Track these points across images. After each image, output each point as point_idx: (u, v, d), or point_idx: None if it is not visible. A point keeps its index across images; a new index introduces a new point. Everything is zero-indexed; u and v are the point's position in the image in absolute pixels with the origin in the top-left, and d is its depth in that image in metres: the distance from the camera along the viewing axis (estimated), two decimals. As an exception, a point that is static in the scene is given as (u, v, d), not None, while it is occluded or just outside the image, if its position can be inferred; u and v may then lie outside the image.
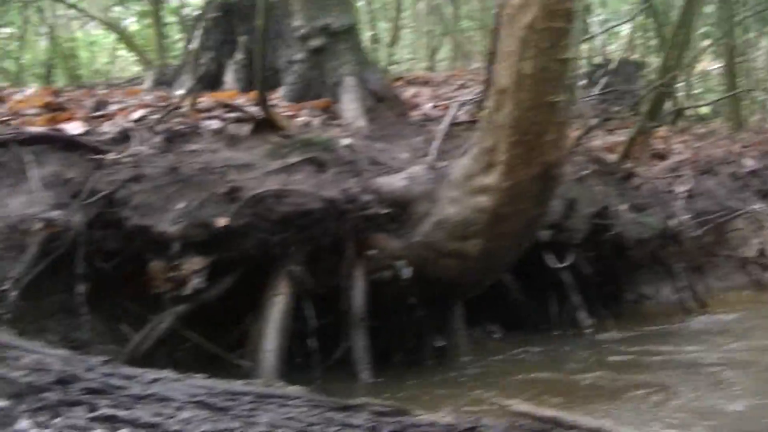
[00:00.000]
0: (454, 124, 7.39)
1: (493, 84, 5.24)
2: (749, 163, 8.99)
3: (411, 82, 11.37)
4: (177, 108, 6.86)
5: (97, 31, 18.85)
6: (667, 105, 10.31)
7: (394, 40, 11.49)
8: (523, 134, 5.02)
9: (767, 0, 13.95)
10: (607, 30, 15.83)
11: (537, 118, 4.95)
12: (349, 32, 8.06)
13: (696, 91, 15.83)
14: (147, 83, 11.25)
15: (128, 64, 16.40)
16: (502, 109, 5.02)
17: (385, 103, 7.80)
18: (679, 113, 10.62)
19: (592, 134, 8.08)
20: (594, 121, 7.71)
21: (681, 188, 8.82)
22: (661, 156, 8.64)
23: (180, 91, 8.54)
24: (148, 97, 8.07)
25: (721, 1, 11.81)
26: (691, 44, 12.50)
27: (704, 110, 14.81)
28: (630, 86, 11.61)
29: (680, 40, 7.54)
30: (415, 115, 8.08)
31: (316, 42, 7.94)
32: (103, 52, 19.25)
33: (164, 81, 10.85)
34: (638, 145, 7.67)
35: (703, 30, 15.38)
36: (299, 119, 7.30)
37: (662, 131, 9.60)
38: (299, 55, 8.08)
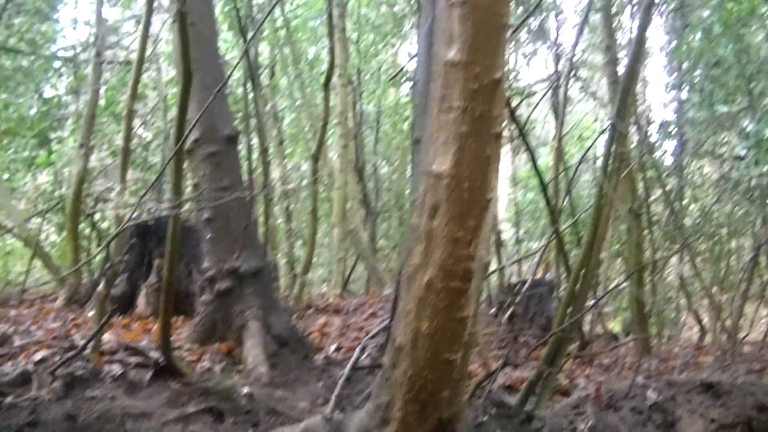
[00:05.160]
0: (356, 369, 7.47)
1: (392, 341, 5.13)
2: (652, 396, 8.91)
3: (322, 310, 11.64)
4: (80, 352, 6.70)
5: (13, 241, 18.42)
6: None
7: (307, 269, 11.77)
8: (419, 392, 4.99)
9: (674, 220, 14.33)
10: (520, 259, 16.26)
11: (433, 375, 4.93)
12: (257, 275, 8.16)
13: (607, 308, 16.04)
14: (60, 301, 11.42)
15: (45, 275, 16.11)
16: (398, 366, 5.01)
17: (289, 347, 7.99)
18: (584, 345, 10.82)
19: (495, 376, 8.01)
20: (496, 366, 7.62)
21: (582, 426, 8.76)
22: (564, 392, 8.52)
23: (91, 312, 9.13)
24: (55, 325, 8.67)
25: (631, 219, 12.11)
26: (600, 267, 13.19)
27: (616, 328, 15.43)
28: (542, 308, 11.62)
29: (588, 266, 7.55)
30: (318, 358, 8.29)
31: (223, 284, 8.05)
32: (19, 262, 18.93)
33: (77, 299, 11.11)
34: (540, 384, 7.60)
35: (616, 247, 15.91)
36: (201, 364, 7.53)
37: (567, 363, 9.59)
38: (206, 297, 8.21)
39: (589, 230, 7.47)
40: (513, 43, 13.29)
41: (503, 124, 4.95)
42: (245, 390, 6.72)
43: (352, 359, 7.69)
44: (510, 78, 15.37)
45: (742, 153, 11.44)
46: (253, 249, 8.20)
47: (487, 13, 4.52)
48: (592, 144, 11.60)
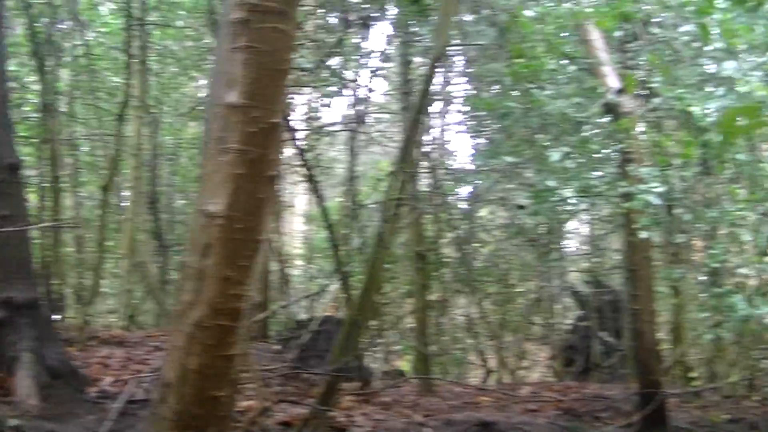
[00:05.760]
0: (131, 403, 7.54)
1: (161, 377, 5.19)
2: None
3: (106, 342, 11.36)
4: None
5: None
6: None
7: (91, 300, 11.72)
8: (185, 428, 5.02)
9: (461, 263, 14.89)
10: (308, 296, 16.22)
11: (199, 411, 4.99)
12: (32, 306, 7.94)
13: (397, 347, 16.33)
14: None
15: None
16: (165, 402, 5.03)
17: (63, 379, 7.76)
18: (366, 383, 10.79)
19: (272, 411, 8.10)
20: (268, 403, 7.72)
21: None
22: (341, 429, 8.59)
23: None
24: None
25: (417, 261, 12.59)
26: (378, 307, 13.04)
27: (406, 366, 15.26)
28: (331, 345, 11.63)
29: (365, 306, 7.78)
30: (92, 390, 8.08)
31: (-4, 315, 7.96)
32: None
33: None
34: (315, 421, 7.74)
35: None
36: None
37: (346, 400, 9.74)
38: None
39: (367, 271, 7.62)
40: (313, 83, 13.37)
41: (282, 166, 5.06)
42: (14, 422, 6.57)
43: (126, 393, 7.64)
44: (309, 117, 15.55)
45: (525, 202, 11.83)
46: (29, 279, 8.00)
47: (270, 60, 4.62)
48: (380, 186, 11.74)
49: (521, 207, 12.51)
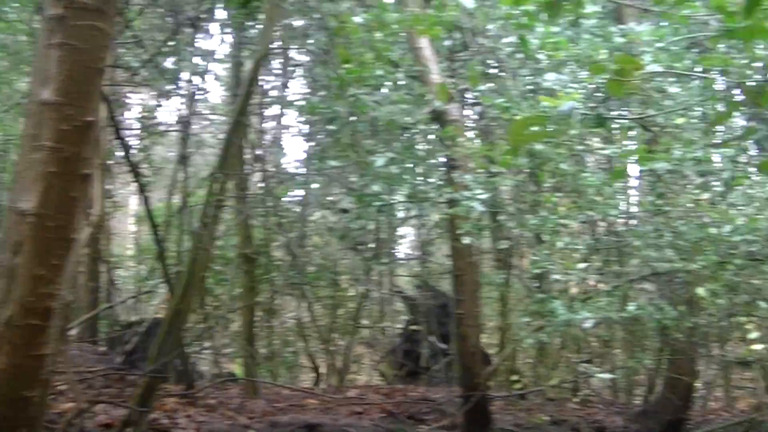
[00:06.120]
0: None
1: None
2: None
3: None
4: None
5: None
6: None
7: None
8: (-8, 429, 4.92)
9: (291, 266, 14.84)
10: (134, 297, 15.93)
11: (9, 412, 4.86)
12: None
13: (228, 350, 16.26)
14: None
15: None
16: (-28, 403, 4.93)
17: None
18: (191, 385, 10.64)
19: (92, 412, 8.03)
20: (85, 405, 7.60)
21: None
22: (163, 431, 8.61)
23: None
24: None
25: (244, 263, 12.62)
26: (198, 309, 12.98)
27: (238, 370, 15.01)
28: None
29: (182, 308, 7.73)
30: None
31: None
32: None
33: None
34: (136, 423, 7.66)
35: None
36: None
37: (171, 402, 9.70)
38: None
39: (186, 273, 7.56)
40: (143, 83, 13.18)
41: (95, 165, 4.98)
42: None
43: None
44: (142, 117, 15.35)
45: (349, 206, 11.91)
46: None
47: (85, 57, 4.56)
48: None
49: (345, 211, 12.59)
